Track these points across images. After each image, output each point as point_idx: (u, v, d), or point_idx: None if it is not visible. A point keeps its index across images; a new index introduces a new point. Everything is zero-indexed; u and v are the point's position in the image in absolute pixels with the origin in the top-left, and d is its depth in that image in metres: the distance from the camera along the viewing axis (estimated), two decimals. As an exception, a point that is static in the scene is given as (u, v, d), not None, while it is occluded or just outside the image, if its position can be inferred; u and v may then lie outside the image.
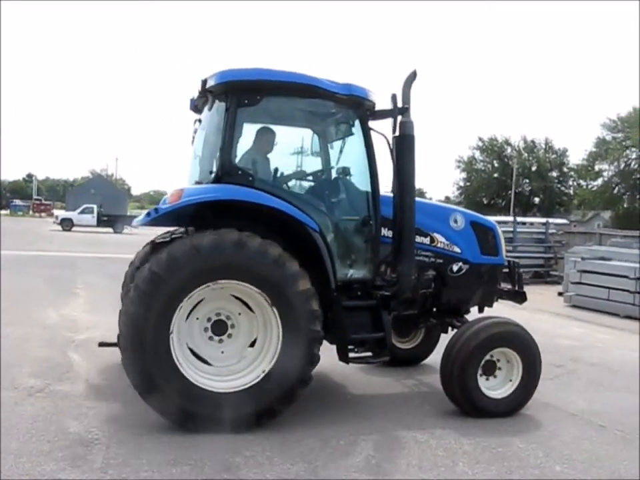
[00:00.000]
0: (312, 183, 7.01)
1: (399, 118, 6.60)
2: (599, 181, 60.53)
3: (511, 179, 68.12)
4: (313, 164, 7.20)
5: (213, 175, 6.24)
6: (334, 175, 7.03)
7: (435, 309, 7.62)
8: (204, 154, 6.83)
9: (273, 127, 6.87)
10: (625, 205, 58.08)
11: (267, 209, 5.90)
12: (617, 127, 57.15)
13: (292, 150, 7.23)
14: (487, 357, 6.65)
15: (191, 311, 5.86)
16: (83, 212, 51.39)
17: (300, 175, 7.05)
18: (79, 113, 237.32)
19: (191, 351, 5.91)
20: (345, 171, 6.96)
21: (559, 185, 73.48)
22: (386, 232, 6.80)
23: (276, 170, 6.67)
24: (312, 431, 5.95)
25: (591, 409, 7.23)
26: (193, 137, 7.26)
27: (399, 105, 6.62)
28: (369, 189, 6.67)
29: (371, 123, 6.77)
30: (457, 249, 7.35)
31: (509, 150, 74.40)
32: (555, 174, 73.25)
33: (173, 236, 7.11)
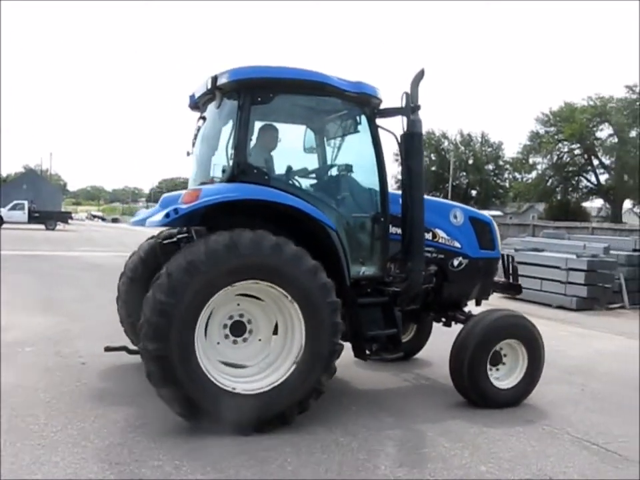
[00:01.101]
0: (322, 181, 7.00)
1: (410, 116, 6.68)
2: (533, 174, 61.67)
3: (448, 172, 68.82)
4: (322, 161, 7.25)
5: (226, 174, 6.18)
6: (343, 172, 6.97)
7: (435, 304, 7.66)
8: (209, 152, 6.83)
9: (282, 124, 6.90)
10: (558, 197, 59.29)
11: (286, 207, 5.88)
12: (549, 120, 58.25)
13: (301, 147, 7.24)
14: (495, 349, 6.83)
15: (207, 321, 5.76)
16: (13, 208, 49.55)
17: (311, 173, 7.01)
18: (12, 108, 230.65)
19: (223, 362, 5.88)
20: (354, 169, 6.94)
21: (494, 178, 74.62)
22: (393, 229, 6.85)
23: (289, 168, 6.69)
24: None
25: (521, 404, 7.06)
26: (195, 135, 7.05)
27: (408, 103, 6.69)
28: (377, 186, 6.72)
29: (378, 121, 6.80)
30: (457, 244, 7.47)
31: (446, 143, 75.16)
32: (491, 167, 74.38)
33: (179, 236, 6.94)
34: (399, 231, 6.85)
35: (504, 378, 6.95)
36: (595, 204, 61.69)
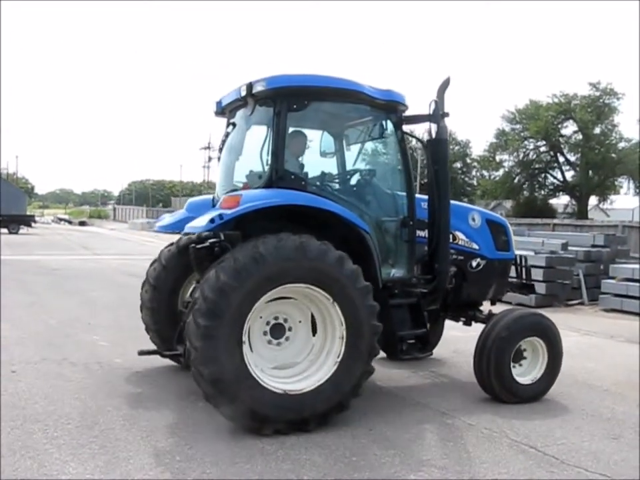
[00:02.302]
0: (353, 185, 7.15)
1: (439, 123, 6.98)
2: (501, 172, 61.98)
3: (415, 170, 68.86)
4: (351, 167, 7.44)
5: (264, 179, 6.32)
6: (372, 177, 7.17)
7: (454, 304, 7.83)
8: (240, 157, 7.07)
9: (310, 130, 7.13)
10: (525, 194, 59.60)
11: (325, 213, 6.03)
12: (515, 118, 58.56)
13: (328, 152, 7.48)
14: (518, 346, 7.03)
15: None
16: (-26, 213, 48.57)
17: (341, 178, 7.27)
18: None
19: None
20: (382, 173, 7.31)
21: (462, 176, 74.85)
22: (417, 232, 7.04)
23: (322, 173, 6.97)
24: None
25: (463, 406, 6.87)
26: (224, 141, 7.23)
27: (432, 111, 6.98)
28: (404, 190, 6.93)
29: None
30: (475, 246, 7.72)
31: (414, 142, 75.19)
32: (459, 165, 74.58)
33: (211, 240, 6.71)
34: (422, 233, 7.08)
35: (525, 374, 7.15)
36: (561, 201, 62.15)
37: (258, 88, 6.29)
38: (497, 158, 61.10)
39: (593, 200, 58.19)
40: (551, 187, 59.73)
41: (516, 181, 59.42)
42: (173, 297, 7.78)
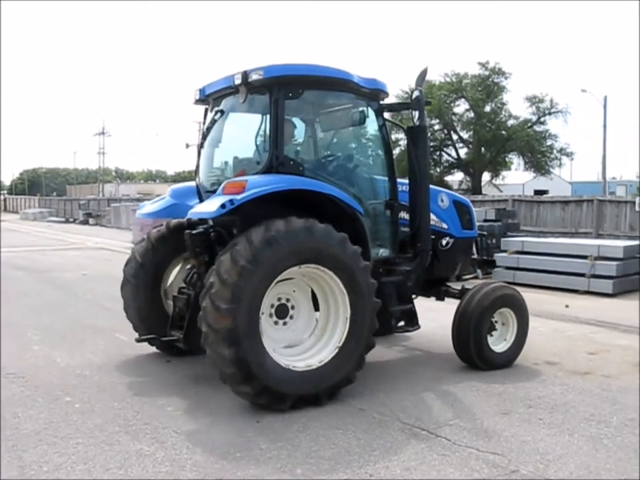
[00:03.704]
0: (343, 170, 7.33)
1: (422, 110, 7.42)
2: (397, 150, 62.75)
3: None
4: (341, 152, 7.65)
5: (263, 165, 6.52)
6: (358, 162, 7.64)
7: (425, 281, 8.15)
8: (231, 144, 7.40)
9: (302, 118, 7.40)
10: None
11: (325, 196, 6.35)
12: (409, 97, 59.21)
13: (315, 139, 7.66)
14: (492, 317, 7.50)
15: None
16: None
17: (332, 163, 7.39)
18: None
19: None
20: (367, 159, 7.91)
21: (360, 156, 75.37)
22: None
23: (316, 159, 7.41)
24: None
25: (355, 391, 6.53)
26: (209, 128, 7.32)
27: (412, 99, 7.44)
28: (387, 175, 7.38)
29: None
30: (444, 225, 8.16)
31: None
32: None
33: (204, 226, 7.07)
34: (402, 215, 7.48)
35: (497, 343, 7.61)
36: (456, 177, 63.50)
37: (254, 77, 6.45)
38: (393, 137, 61.76)
39: (486, 176, 59.75)
40: (446, 164, 60.83)
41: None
42: (157, 276, 7.96)
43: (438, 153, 60.36)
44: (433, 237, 7.74)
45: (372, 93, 7.19)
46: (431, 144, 59.42)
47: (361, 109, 7.09)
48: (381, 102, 7.40)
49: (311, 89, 6.86)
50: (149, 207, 7.95)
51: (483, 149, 54.39)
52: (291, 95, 6.59)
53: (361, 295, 6.26)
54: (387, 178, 7.38)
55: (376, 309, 6.41)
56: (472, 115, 54.84)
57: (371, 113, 7.24)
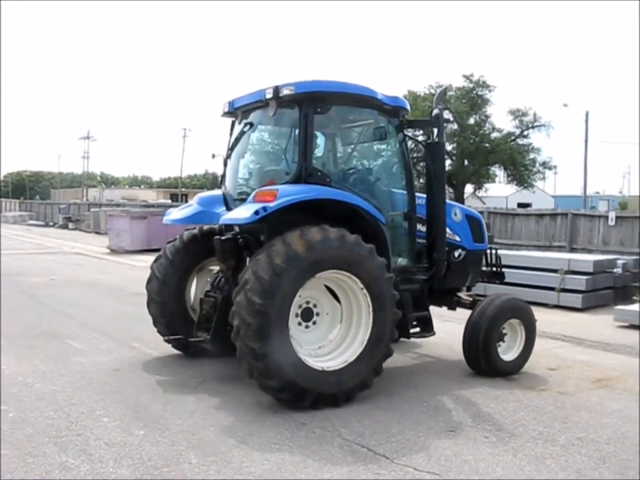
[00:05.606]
0: (366, 182, 7.65)
1: (441, 128, 7.81)
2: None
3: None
4: (363, 165, 8.26)
5: (292, 175, 6.79)
6: (379, 175, 7.98)
7: (438, 290, 8.32)
8: (263, 156, 8.03)
9: (328, 132, 7.77)
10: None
11: (351, 206, 6.68)
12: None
13: (345, 152, 8.35)
14: (502, 327, 7.80)
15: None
16: None
17: (356, 175, 7.71)
18: None
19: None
20: (387, 172, 8.16)
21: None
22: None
23: (340, 171, 7.74)
24: None
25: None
26: (237, 139, 7.69)
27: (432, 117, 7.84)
28: (406, 188, 7.66)
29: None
30: (457, 238, 8.45)
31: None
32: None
33: (231, 233, 7.53)
34: (419, 227, 7.80)
35: (505, 352, 7.89)
36: (439, 189, 63.58)
37: (285, 92, 6.75)
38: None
39: (469, 188, 59.81)
40: (429, 176, 60.95)
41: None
42: (180, 291, 8.25)
43: (422, 164, 60.30)
44: (447, 248, 8.01)
45: (394, 110, 7.52)
46: (415, 155, 59.56)
47: (382, 124, 7.45)
48: (403, 118, 7.71)
49: (338, 105, 7.17)
50: (176, 213, 8.09)
51: (466, 161, 54.41)
52: (319, 110, 6.89)
53: (384, 304, 6.56)
54: (405, 191, 7.66)
55: (396, 319, 6.71)
56: (455, 126, 54.84)
57: (392, 129, 7.57)
